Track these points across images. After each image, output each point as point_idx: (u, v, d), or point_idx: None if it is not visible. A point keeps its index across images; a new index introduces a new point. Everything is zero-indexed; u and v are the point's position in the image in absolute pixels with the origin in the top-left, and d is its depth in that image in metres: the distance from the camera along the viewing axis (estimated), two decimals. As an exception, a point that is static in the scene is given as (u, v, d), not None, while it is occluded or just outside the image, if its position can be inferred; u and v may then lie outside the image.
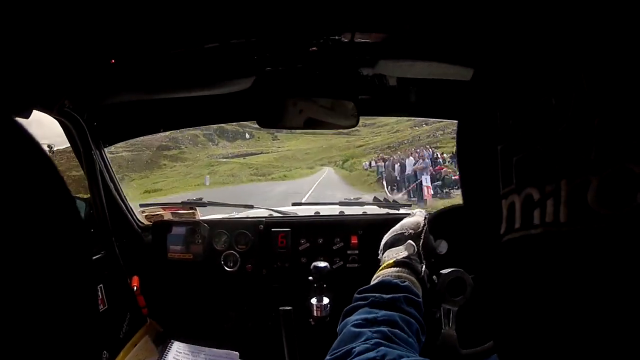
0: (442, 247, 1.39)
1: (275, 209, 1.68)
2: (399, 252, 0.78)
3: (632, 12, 0.20)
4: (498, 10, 0.71)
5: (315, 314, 1.22)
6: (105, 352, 1.10)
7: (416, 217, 0.85)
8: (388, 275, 0.73)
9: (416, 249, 0.78)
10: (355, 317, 0.62)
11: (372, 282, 0.75)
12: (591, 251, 0.20)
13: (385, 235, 0.85)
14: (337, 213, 1.62)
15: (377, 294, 0.66)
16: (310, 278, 1.21)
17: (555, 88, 0.22)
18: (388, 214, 1.59)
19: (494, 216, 0.26)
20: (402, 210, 1.63)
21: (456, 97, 1.25)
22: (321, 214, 1.62)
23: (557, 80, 0.22)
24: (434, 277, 1.19)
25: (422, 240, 0.80)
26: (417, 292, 0.70)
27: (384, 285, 0.69)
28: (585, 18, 0.22)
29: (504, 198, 0.25)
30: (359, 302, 0.65)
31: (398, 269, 0.75)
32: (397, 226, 0.84)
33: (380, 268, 0.78)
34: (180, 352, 1.27)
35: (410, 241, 0.78)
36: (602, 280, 0.20)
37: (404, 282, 0.70)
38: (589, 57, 0.21)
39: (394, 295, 0.65)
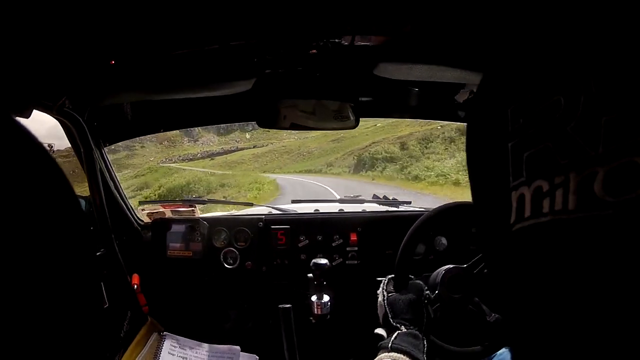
0: (442, 244, 1.41)
1: (275, 206, 1.69)
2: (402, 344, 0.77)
3: (636, 14, 0.21)
4: (504, 12, 0.71)
5: (315, 312, 1.23)
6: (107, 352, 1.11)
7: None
8: None
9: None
10: None
11: None
12: (598, 236, 0.21)
13: (384, 308, 0.84)
14: (337, 211, 1.63)
15: None
16: (310, 275, 1.22)
17: (564, 88, 0.23)
18: (387, 211, 1.60)
19: (504, 208, 0.27)
20: (401, 208, 1.64)
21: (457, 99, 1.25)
22: (321, 211, 1.63)
23: (566, 81, 0.23)
24: (431, 275, 1.21)
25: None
26: None
27: None
28: (591, 20, 0.23)
29: (513, 190, 0.26)
30: None
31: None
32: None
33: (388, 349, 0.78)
34: (175, 347, 1.27)
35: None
36: (609, 263, 0.21)
37: None
38: (596, 59, 0.22)
39: None
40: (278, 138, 43.13)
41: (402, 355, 0.72)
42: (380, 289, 0.87)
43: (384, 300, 0.84)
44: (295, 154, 38.89)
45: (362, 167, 27.09)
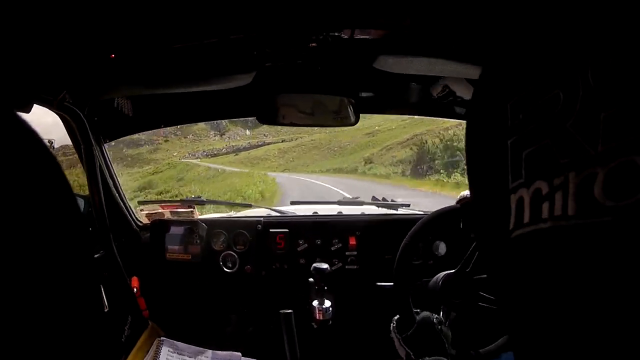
0: (441, 248, 1.39)
1: (273, 208, 1.68)
2: None
3: (635, 10, 0.20)
4: (504, 6, 0.72)
5: (317, 317, 1.21)
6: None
7: None
8: None
9: None
10: None
11: None
12: (598, 242, 0.20)
13: None
14: (336, 213, 1.62)
15: None
16: (311, 280, 1.20)
17: (563, 84, 0.23)
18: (386, 214, 1.58)
19: (503, 212, 0.26)
20: (400, 210, 1.62)
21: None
22: (319, 213, 1.62)
23: (564, 76, 0.23)
24: (430, 281, 1.18)
25: None
26: None
27: None
28: (590, 16, 0.23)
29: (512, 193, 0.26)
30: None
31: None
32: None
33: None
34: (173, 353, 1.25)
35: None
36: (609, 272, 0.20)
37: None
38: (594, 54, 0.22)
39: None
40: (308, 132, 37.95)
41: None
42: (392, 331, 0.91)
43: (400, 342, 0.87)
44: (325, 149, 33.73)
45: (429, 166, 16.74)
